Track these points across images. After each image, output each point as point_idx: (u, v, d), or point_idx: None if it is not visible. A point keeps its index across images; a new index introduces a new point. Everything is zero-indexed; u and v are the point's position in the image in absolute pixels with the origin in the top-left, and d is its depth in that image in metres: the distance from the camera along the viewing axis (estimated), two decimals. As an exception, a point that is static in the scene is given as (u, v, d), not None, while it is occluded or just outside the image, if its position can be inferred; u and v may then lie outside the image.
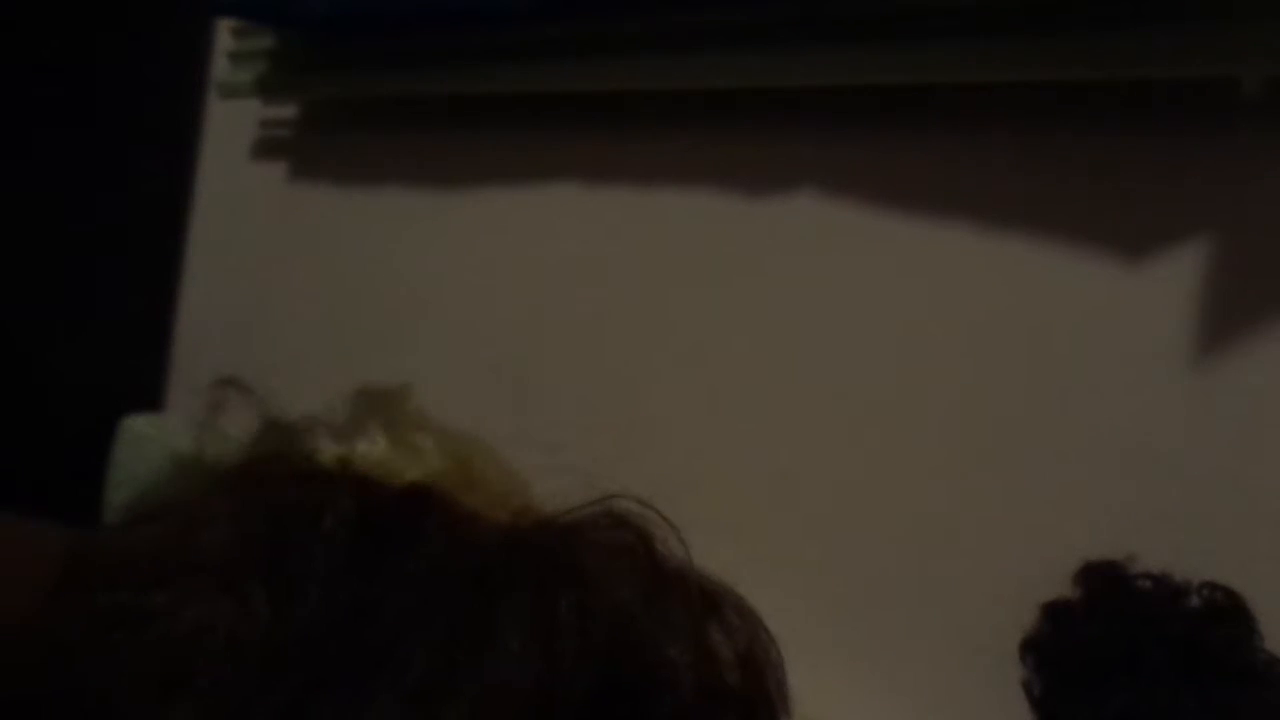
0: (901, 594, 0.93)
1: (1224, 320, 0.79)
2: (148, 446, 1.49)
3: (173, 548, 0.37)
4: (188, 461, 0.43)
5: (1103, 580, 0.69)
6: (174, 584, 0.35)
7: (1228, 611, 0.65)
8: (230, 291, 1.64)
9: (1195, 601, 0.66)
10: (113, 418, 1.54)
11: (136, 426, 1.53)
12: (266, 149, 1.59)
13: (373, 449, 0.46)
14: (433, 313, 1.34)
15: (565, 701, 0.34)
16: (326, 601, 0.34)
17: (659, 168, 1.12)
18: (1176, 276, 0.81)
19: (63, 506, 1.35)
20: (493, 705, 0.33)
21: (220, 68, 1.60)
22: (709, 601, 0.43)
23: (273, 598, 0.34)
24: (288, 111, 1.55)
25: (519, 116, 1.25)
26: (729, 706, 0.41)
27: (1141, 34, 0.78)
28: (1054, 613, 0.70)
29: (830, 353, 0.99)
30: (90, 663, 0.34)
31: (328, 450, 0.45)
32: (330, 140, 1.52)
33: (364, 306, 1.43)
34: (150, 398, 1.65)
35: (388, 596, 0.35)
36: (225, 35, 1.59)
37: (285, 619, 0.34)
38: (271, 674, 0.33)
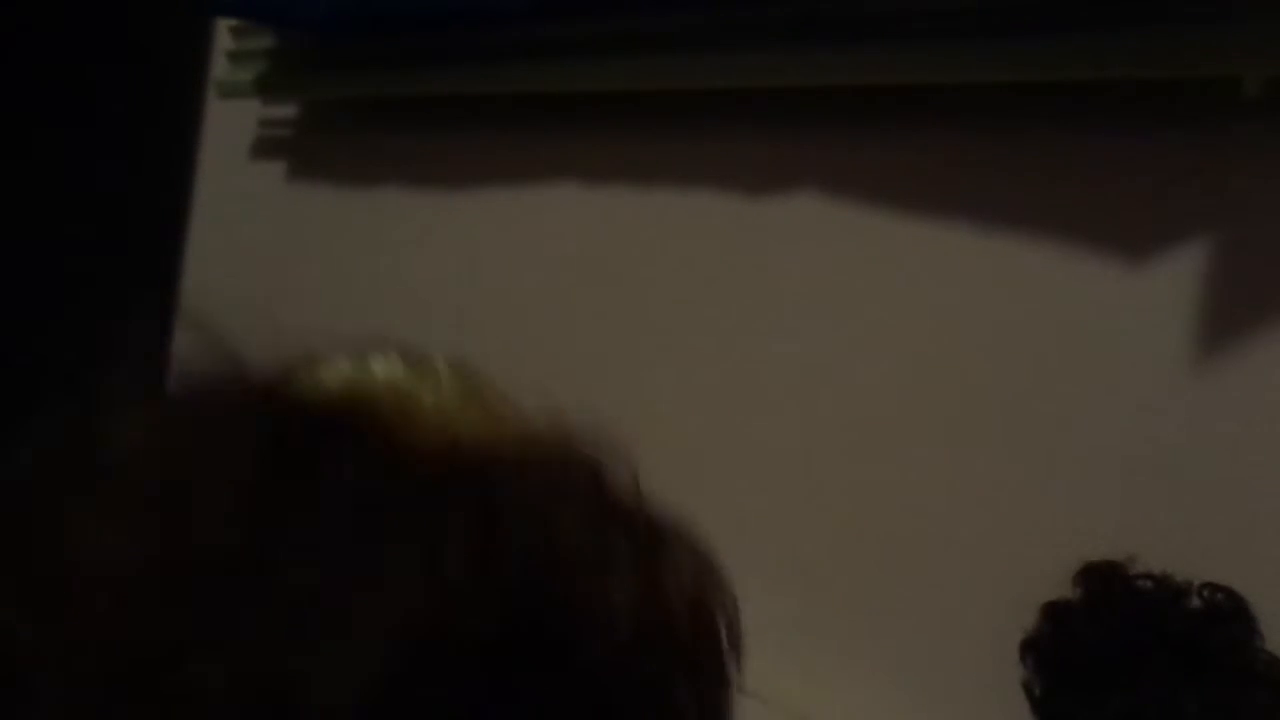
0: (902, 594, 0.93)
1: (1225, 321, 0.79)
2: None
3: (72, 463, 0.37)
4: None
5: (1103, 581, 0.69)
6: (66, 503, 0.35)
7: (1228, 612, 0.65)
8: (230, 290, 1.64)
9: (1196, 602, 0.66)
10: (112, 417, 1.54)
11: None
12: (266, 149, 1.59)
13: (386, 367, 0.45)
14: (433, 312, 1.34)
15: (461, 637, 0.32)
16: (220, 528, 0.33)
17: (659, 167, 1.12)
18: (1177, 277, 0.81)
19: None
20: (369, 638, 0.31)
21: (220, 67, 1.60)
22: (657, 539, 0.41)
23: (165, 527, 0.33)
24: (287, 111, 1.55)
25: (519, 116, 1.25)
26: (671, 652, 0.38)
27: (1142, 35, 0.78)
28: (1055, 613, 0.70)
29: (830, 352, 0.99)
30: None
31: (340, 367, 0.45)
32: (330, 140, 1.52)
33: (364, 305, 1.43)
34: (149, 397, 1.65)
35: (287, 524, 0.34)
36: (225, 35, 1.59)
37: (174, 550, 0.33)
38: (157, 609, 0.32)
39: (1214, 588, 0.66)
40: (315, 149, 1.53)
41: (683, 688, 0.38)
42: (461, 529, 0.34)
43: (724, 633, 0.41)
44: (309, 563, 0.33)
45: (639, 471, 0.42)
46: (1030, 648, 0.70)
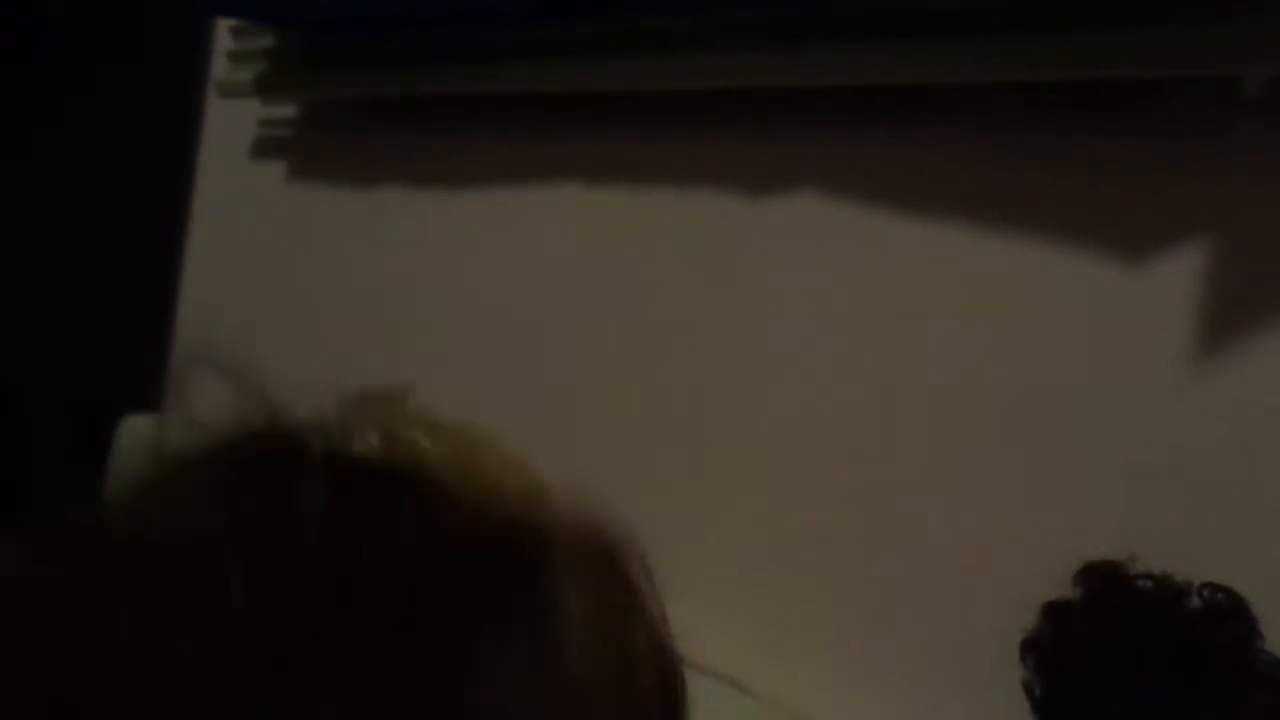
0: (902, 594, 0.93)
1: (1224, 320, 0.79)
2: (147, 446, 1.48)
3: (141, 540, 0.36)
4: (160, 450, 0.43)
5: (1103, 581, 0.69)
6: (147, 578, 0.34)
7: (1228, 612, 0.65)
8: (230, 290, 1.64)
9: (1196, 602, 0.66)
10: (113, 417, 1.54)
11: (136, 426, 1.53)
12: (266, 148, 1.59)
13: (366, 451, 0.44)
14: (432, 312, 1.34)
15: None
16: (309, 598, 0.34)
17: (659, 167, 1.12)
18: (1176, 276, 0.81)
19: (63, 506, 1.35)
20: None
21: (220, 67, 1.60)
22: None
23: (257, 595, 0.33)
24: (287, 111, 1.55)
25: (518, 116, 1.25)
26: None
27: (1143, 34, 0.78)
28: (1055, 613, 0.70)
29: (830, 352, 0.99)
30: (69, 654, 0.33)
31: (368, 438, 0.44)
32: (330, 140, 1.52)
33: (363, 305, 1.43)
34: (150, 397, 1.65)
35: (369, 587, 0.34)
36: (225, 35, 1.59)
37: (272, 615, 0.33)
38: (265, 675, 0.32)
39: (1214, 588, 0.66)
40: (315, 149, 1.53)
41: None
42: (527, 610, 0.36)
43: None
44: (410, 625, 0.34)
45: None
46: (1030, 647, 0.70)
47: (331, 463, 0.39)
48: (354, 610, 0.33)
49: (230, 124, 1.61)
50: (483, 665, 0.34)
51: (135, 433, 1.53)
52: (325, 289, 1.48)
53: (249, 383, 0.42)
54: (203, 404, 0.44)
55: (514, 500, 0.40)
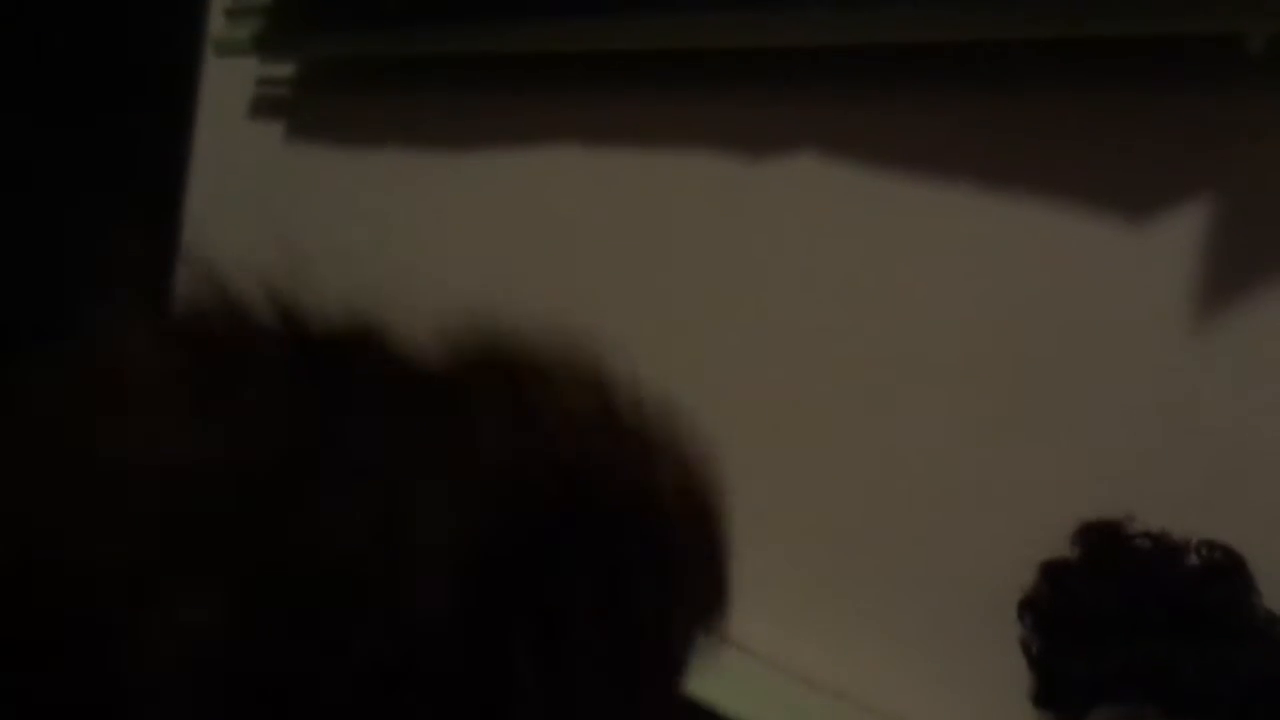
0: (900, 553, 0.93)
1: (1227, 279, 0.79)
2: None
3: (101, 379, 0.36)
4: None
5: (1101, 539, 0.70)
6: (112, 414, 0.34)
7: (1226, 570, 0.66)
8: (227, 250, 1.64)
9: (1194, 560, 0.67)
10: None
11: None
12: (264, 107, 1.58)
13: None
14: (431, 273, 1.33)
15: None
16: (277, 434, 0.34)
17: (659, 129, 1.12)
18: (1180, 235, 0.80)
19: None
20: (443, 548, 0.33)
21: (218, 25, 1.59)
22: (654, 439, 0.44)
23: (228, 431, 0.34)
24: (285, 70, 1.54)
25: (518, 77, 1.24)
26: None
27: (1145, -10, 0.78)
28: (1053, 572, 0.70)
29: (831, 313, 0.98)
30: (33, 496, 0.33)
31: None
32: (328, 99, 1.51)
33: (361, 266, 1.42)
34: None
35: (336, 424, 0.35)
36: (223, -8, 1.58)
37: (243, 449, 0.33)
38: (245, 499, 0.32)
39: (1211, 545, 0.66)
40: (313, 108, 1.52)
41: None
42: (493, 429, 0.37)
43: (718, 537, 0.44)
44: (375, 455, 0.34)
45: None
46: (1028, 606, 0.71)
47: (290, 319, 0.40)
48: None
49: (228, 82, 1.60)
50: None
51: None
52: (323, 247, 1.47)
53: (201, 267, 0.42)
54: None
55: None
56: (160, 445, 0.33)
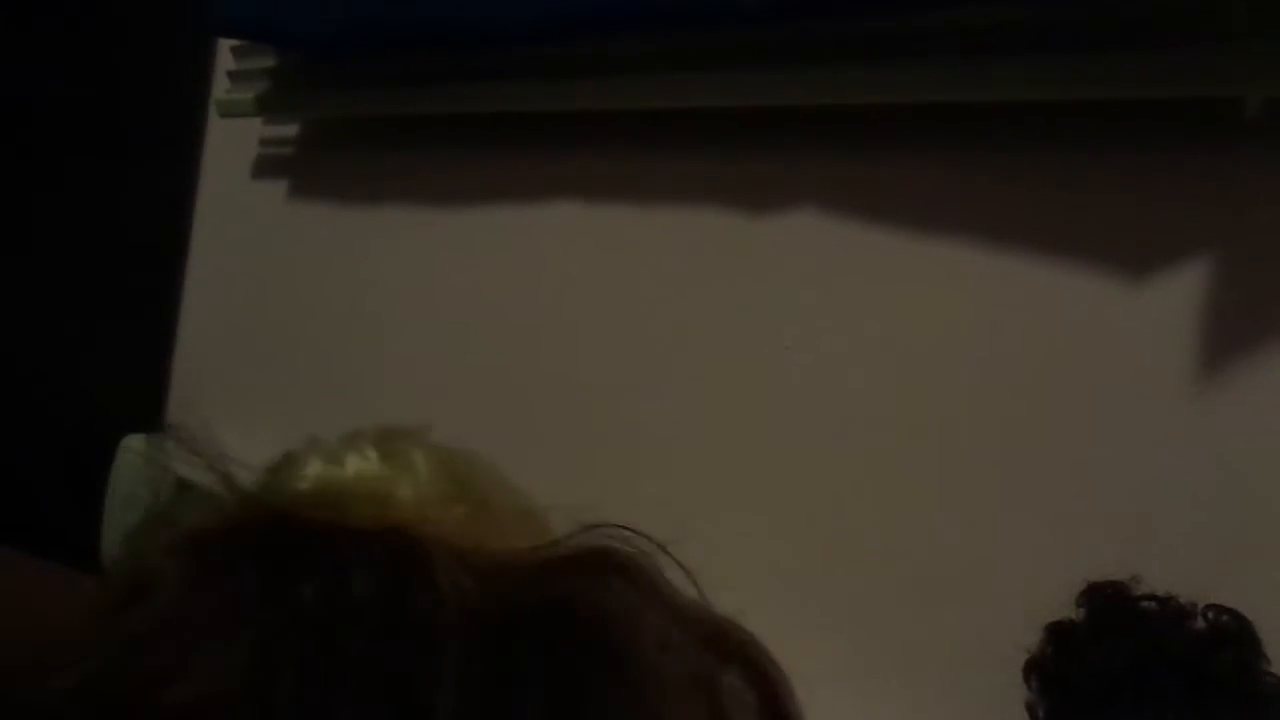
0: (902, 615, 0.93)
1: (1225, 340, 0.79)
2: (147, 466, 1.48)
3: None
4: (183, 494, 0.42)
5: (1107, 601, 0.69)
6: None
7: (1233, 634, 0.65)
8: (230, 310, 1.64)
9: (1200, 624, 0.66)
10: (112, 437, 1.54)
11: (136, 446, 1.53)
12: (267, 167, 1.59)
13: (364, 465, 0.44)
14: (433, 332, 1.34)
15: None
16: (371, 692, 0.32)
17: (660, 186, 1.12)
18: (1178, 296, 0.81)
19: (61, 525, 1.35)
20: None
21: (221, 86, 1.61)
22: (725, 648, 0.40)
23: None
24: (288, 130, 1.55)
25: (519, 136, 1.25)
26: None
27: (1143, 54, 0.78)
28: (1058, 634, 0.70)
29: (832, 370, 0.99)
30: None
31: (315, 469, 0.44)
32: (330, 159, 1.52)
33: (363, 324, 1.43)
34: (150, 417, 1.65)
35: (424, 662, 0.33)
36: (226, 54, 1.59)
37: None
38: None
39: (1219, 609, 0.66)
40: (316, 168, 1.53)
41: None
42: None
43: None
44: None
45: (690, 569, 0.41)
46: (1034, 668, 0.70)
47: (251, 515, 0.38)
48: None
49: (231, 142, 1.62)
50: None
51: (134, 452, 1.53)
52: (325, 307, 1.48)
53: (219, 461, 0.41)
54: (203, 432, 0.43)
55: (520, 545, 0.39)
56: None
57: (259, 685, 0.32)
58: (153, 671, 0.33)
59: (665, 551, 0.40)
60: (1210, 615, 0.66)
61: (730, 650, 0.40)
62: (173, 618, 0.35)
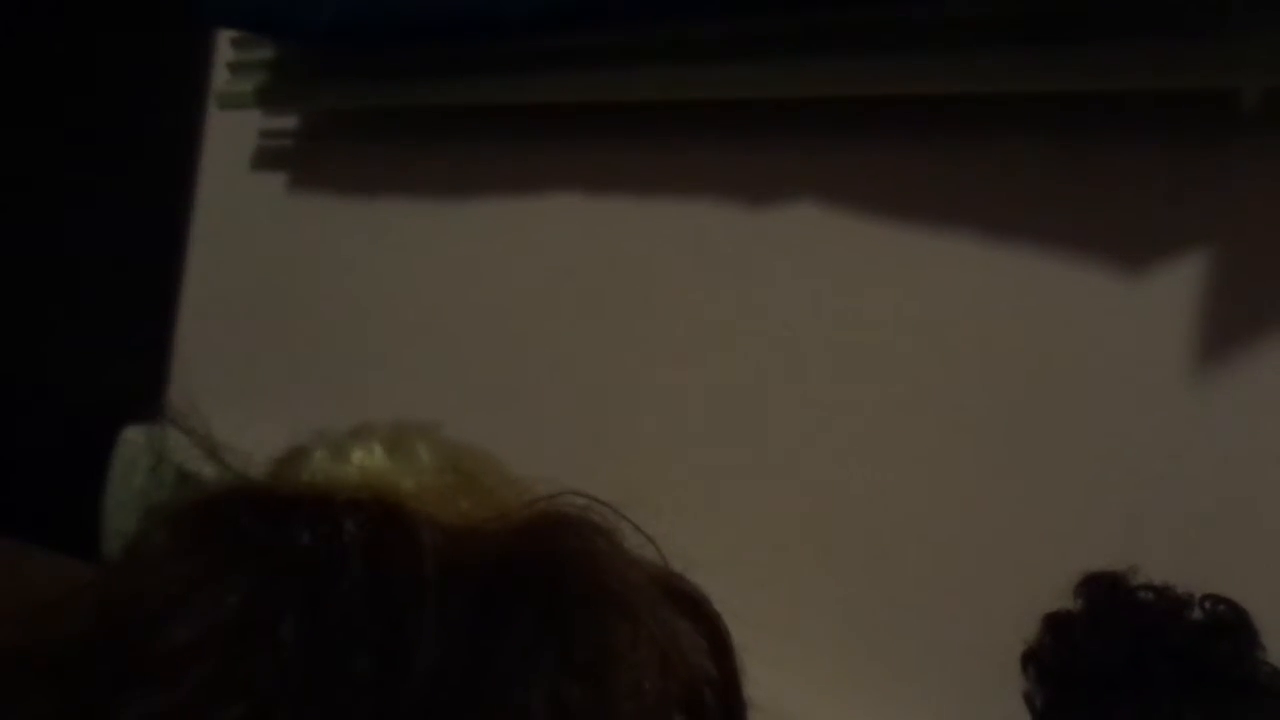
0: (902, 605, 0.93)
1: (1223, 332, 0.79)
2: (147, 456, 1.48)
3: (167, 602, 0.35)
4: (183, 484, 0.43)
5: (1104, 592, 0.69)
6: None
7: (1230, 624, 0.65)
8: (230, 301, 1.64)
9: (1198, 614, 0.66)
10: (112, 427, 1.54)
11: (135, 437, 1.53)
12: (266, 159, 1.59)
13: (369, 459, 0.44)
14: (433, 323, 1.34)
15: None
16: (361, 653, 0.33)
17: (660, 178, 1.12)
18: (1175, 288, 0.81)
19: (61, 517, 1.35)
20: None
21: (220, 78, 1.61)
22: (678, 597, 0.42)
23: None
24: (288, 122, 1.55)
25: (519, 127, 1.25)
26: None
27: (1140, 45, 0.78)
28: (1055, 624, 0.70)
29: (831, 363, 0.99)
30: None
31: (321, 462, 0.44)
32: (330, 151, 1.52)
33: (363, 316, 1.43)
34: (150, 407, 1.65)
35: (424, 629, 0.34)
36: (225, 46, 1.59)
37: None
38: None
39: (1216, 600, 0.66)
40: (316, 160, 1.53)
41: None
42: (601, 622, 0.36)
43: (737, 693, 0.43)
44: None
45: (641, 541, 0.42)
46: (1031, 659, 0.70)
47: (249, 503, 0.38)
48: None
49: (230, 134, 1.62)
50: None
51: (134, 444, 1.53)
52: (325, 299, 1.48)
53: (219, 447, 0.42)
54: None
55: (506, 524, 0.40)
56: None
57: (260, 619, 0.33)
58: (153, 613, 0.34)
59: (625, 518, 0.42)
60: (1208, 605, 0.66)
61: (683, 599, 0.42)
62: (171, 565, 0.36)
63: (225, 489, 0.40)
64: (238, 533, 0.36)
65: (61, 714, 0.32)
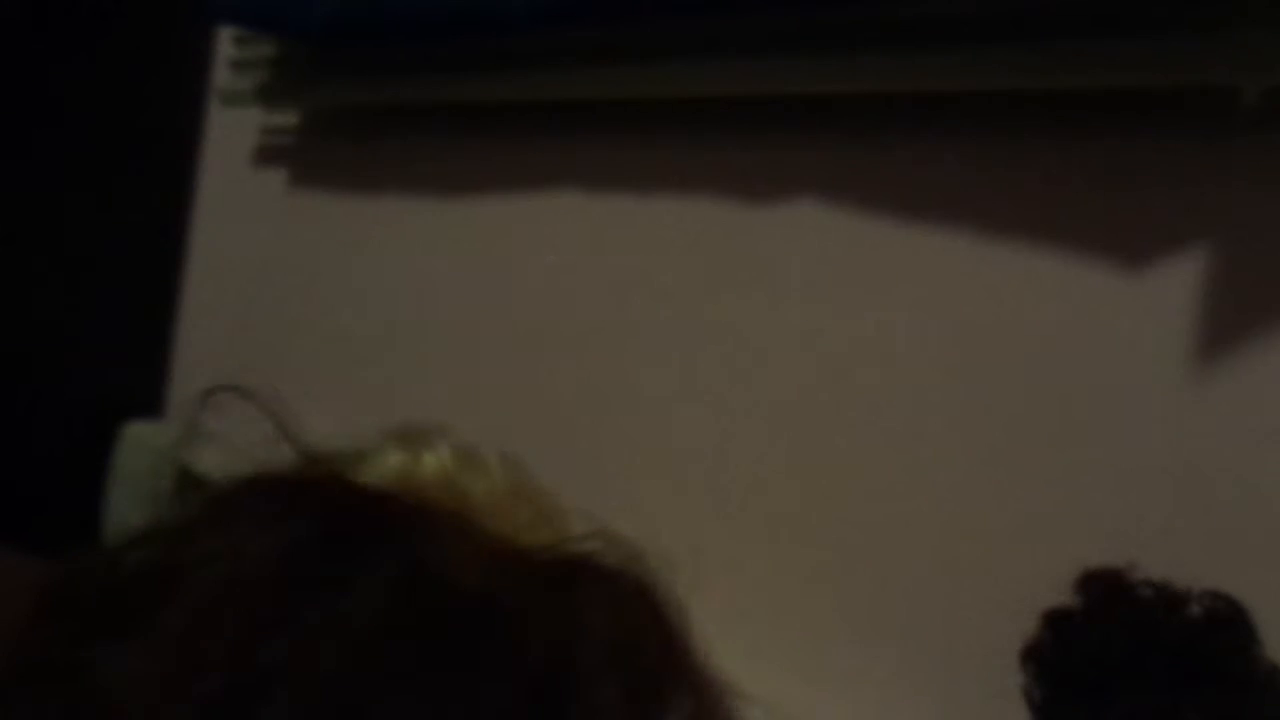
0: (901, 601, 0.93)
1: (1223, 329, 0.79)
2: (148, 453, 1.49)
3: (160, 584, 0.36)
4: (186, 481, 0.43)
5: (1103, 588, 0.69)
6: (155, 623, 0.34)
7: (1228, 620, 0.65)
8: (231, 298, 1.65)
9: (1196, 610, 0.66)
10: (113, 424, 1.54)
11: (137, 433, 1.54)
12: (267, 156, 1.59)
13: (438, 461, 0.45)
14: (433, 320, 1.34)
15: None
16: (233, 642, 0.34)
17: (660, 175, 1.12)
18: (1176, 285, 0.81)
19: (62, 512, 1.36)
20: None
21: (222, 76, 1.61)
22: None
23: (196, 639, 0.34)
24: (289, 119, 1.55)
25: (520, 124, 1.25)
26: None
27: (1141, 43, 0.79)
28: (1055, 621, 0.70)
29: (832, 360, 0.99)
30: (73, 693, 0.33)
31: (392, 460, 0.45)
32: (331, 148, 1.52)
33: (364, 314, 1.43)
34: (151, 404, 1.65)
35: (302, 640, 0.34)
36: (227, 43, 1.59)
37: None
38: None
39: (1214, 595, 0.66)
40: (317, 156, 1.53)
41: None
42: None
43: None
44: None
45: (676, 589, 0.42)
46: (1030, 655, 0.70)
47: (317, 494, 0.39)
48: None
49: (231, 131, 1.62)
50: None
51: (136, 440, 1.53)
52: (326, 296, 1.48)
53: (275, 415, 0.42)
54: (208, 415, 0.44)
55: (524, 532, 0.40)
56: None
57: (292, 568, 0.34)
58: (186, 558, 0.35)
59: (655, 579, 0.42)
60: (1206, 601, 0.66)
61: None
62: (207, 517, 0.38)
63: (310, 472, 0.41)
64: (278, 498, 0.38)
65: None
